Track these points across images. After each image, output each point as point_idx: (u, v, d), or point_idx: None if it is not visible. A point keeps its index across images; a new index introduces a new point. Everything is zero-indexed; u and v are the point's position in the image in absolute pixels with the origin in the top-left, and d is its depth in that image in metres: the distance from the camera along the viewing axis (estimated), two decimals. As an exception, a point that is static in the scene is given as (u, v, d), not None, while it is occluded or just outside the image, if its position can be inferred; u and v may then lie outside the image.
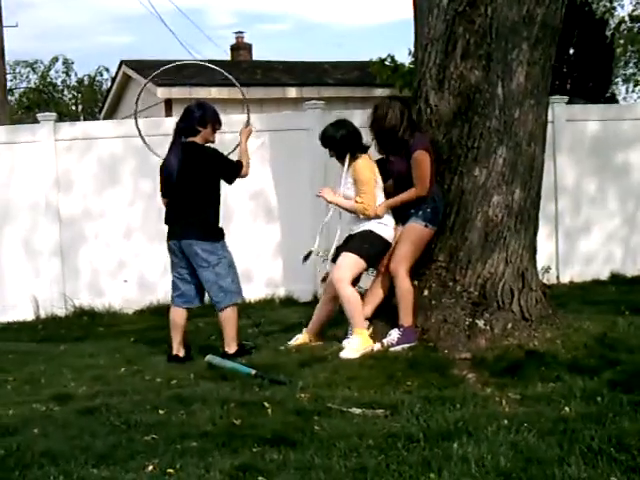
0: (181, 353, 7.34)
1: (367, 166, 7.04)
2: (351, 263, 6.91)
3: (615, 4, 26.37)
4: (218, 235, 7.35)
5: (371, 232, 6.95)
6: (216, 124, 7.41)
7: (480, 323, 6.78)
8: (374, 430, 4.93)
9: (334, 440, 4.77)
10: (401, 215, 6.99)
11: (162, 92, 17.78)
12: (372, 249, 6.96)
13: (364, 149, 7.14)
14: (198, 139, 7.30)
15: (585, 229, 11.82)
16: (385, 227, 6.98)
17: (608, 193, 12.13)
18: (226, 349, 7.24)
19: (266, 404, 5.50)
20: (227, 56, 24.72)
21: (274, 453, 4.61)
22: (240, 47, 24.06)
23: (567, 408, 5.19)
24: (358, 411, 5.35)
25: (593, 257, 11.96)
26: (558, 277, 11.60)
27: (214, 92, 17.76)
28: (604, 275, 11.83)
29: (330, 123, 7.39)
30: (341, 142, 7.14)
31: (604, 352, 6.53)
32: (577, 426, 4.82)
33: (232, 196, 8.33)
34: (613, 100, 20.56)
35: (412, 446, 4.64)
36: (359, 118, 11.56)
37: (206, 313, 8.24)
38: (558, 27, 7.27)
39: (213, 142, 7.40)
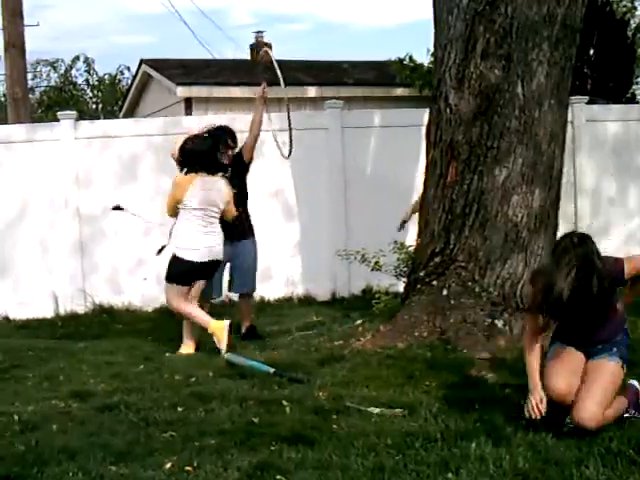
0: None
1: (181, 183, 7.51)
2: (166, 289, 7.76)
3: (637, 4, 26.14)
4: None
5: (173, 256, 7.58)
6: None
7: (499, 324, 6.77)
8: (392, 429, 4.92)
9: (352, 439, 4.77)
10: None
11: (182, 91, 17.83)
12: (174, 270, 7.58)
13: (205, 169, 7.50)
14: None
15: (604, 230, 11.75)
16: (185, 251, 7.46)
17: (628, 194, 12.09)
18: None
19: (284, 402, 5.50)
20: (246, 55, 24.74)
21: (292, 451, 4.60)
22: (259, 46, 24.03)
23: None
24: (376, 410, 5.33)
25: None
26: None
27: (234, 91, 17.81)
28: (622, 276, 11.75)
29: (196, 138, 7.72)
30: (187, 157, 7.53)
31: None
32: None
33: (251, 195, 8.34)
34: (634, 100, 20.44)
35: (430, 446, 4.62)
36: (379, 116, 11.70)
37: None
38: (579, 27, 7.25)
39: None
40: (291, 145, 8.38)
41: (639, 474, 4.09)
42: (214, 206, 7.50)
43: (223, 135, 7.95)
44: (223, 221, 7.64)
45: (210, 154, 7.55)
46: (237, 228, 7.96)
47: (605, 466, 4.20)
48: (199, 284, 7.64)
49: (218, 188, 7.53)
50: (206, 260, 7.50)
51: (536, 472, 4.17)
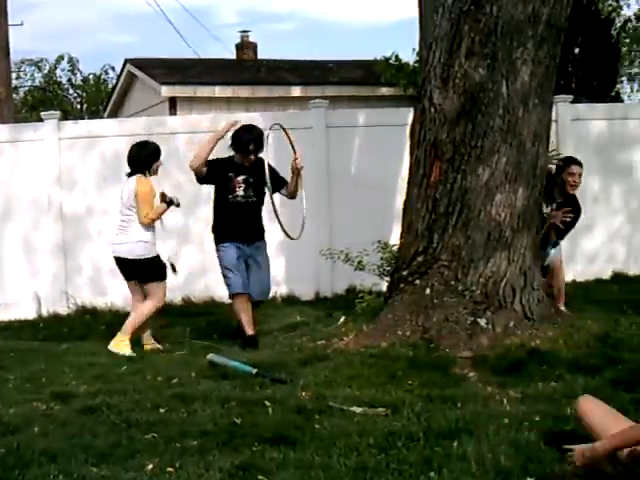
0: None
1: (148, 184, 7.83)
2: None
3: (621, 3, 26.26)
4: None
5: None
6: None
7: (482, 322, 6.77)
8: (375, 429, 4.91)
9: (334, 439, 4.76)
10: None
11: (166, 91, 17.77)
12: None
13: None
14: None
15: (588, 228, 11.76)
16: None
17: (612, 192, 12.12)
18: None
19: (267, 403, 5.49)
20: (232, 55, 24.69)
21: (274, 452, 4.59)
22: (245, 46, 23.99)
23: (569, 408, 5.14)
24: (359, 410, 5.33)
25: (596, 256, 11.93)
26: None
27: (218, 91, 17.76)
28: (607, 274, 11.83)
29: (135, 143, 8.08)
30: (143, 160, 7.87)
31: (606, 351, 6.51)
32: (578, 425, 4.78)
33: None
34: (618, 99, 20.50)
35: (412, 445, 4.62)
36: (364, 116, 11.69)
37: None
38: (563, 26, 7.26)
39: None
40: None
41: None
42: (122, 205, 7.88)
43: (242, 142, 7.97)
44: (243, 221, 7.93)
45: (135, 158, 7.92)
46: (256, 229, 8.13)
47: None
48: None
49: (128, 187, 7.84)
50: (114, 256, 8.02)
51: (518, 470, 4.15)
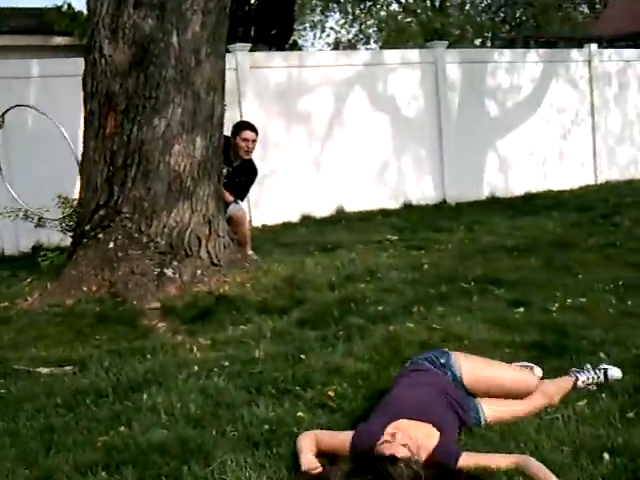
0: None
1: None
2: None
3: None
4: None
5: None
6: None
7: (169, 272, 6.77)
8: (62, 388, 4.80)
9: (21, 403, 4.61)
10: None
11: None
12: None
13: None
14: None
15: (273, 173, 12.06)
16: None
17: (294, 138, 12.47)
18: None
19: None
20: None
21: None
22: None
23: (257, 350, 5.29)
24: (46, 370, 5.17)
25: (283, 200, 12.25)
26: (251, 221, 11.75)
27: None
28: (295, 217, 12.19)
29: None
30: None
31: (292, 292, 6.75)
32: (266, 367, 4.94)
33: None
34: (296, 47, 21.05)
35: (101, 401, 4.56)
36: (38, 66, 11.18)
37: None
38: (232, -23, 7.32)
39: None
40: None
41: (306, 408, 4.27)
42: None
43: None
44: None
45: None
46: None
47: (274, 404, 4.34)
48: None
49: None
50: None
51: (208, 416, 4.22)
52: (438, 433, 3.60)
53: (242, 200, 8.48)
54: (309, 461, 3.57)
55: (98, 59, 6.96)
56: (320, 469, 3.47)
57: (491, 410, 4.02)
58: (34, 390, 4.81)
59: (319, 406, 4.30)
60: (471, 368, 4.13)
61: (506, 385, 4.14)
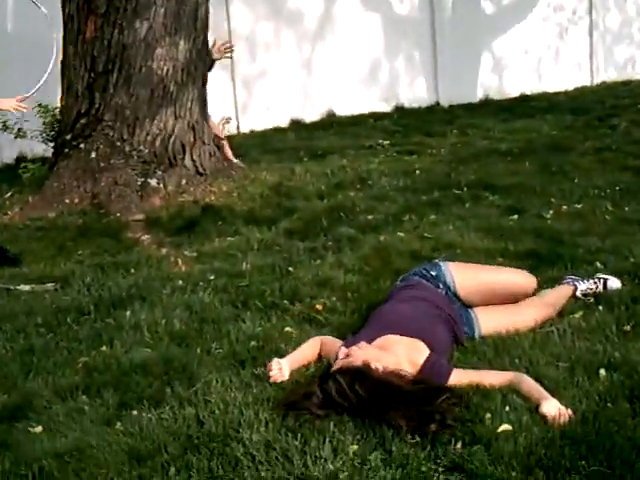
0: None
1: None
2: None
3: None
4: None
5: None
6: None
7: (153, 182, 6.61)
8: (43, 307, 4.67)
9: (0, 323, 4.46)
10: None
11: None
12: None
13: None
14: None
15: (262, 76, 11.74)
16: None
17: (283, 39, 12.09)
18: None
19: None
20: None
21: None
22: None
23: (244, 262, 5.14)
24: (27, 288, 5.04)
25: (272, 104, 11.91)
26: (238, 127, 11.53)
27: None
28: (284, 122, 11.87)
29: None
30: None
31: (281, 201, 6.59)
32: (253, 280, 4.80)
33: None
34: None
35: (83, 319, 4.43)
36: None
37: None
38: None
39: None
40: None
41: (294, 322, 4.14)
42: None
43: None
44: None
45: None
46: None
47: (262, 319, 4.20)
48: None
49: None
50: None
51: (193, 333, 4.09)
52: (428, 349, 3.47)
53: None
54: (277, 365, 3.51)
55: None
56: (281, 379, 3.47)
57: (489, 322, 3.86)
58: (14, 309, 4.68)
59: (307, 321, 4.18)
60: (463, 276, 3.98)
61: (502, 288, 4.01)
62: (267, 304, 4.41)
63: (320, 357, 3.67)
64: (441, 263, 4.07)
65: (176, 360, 3.76)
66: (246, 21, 11.75)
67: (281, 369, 3.52)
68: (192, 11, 6.87)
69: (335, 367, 3.31)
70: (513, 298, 4.01)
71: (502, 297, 3.99)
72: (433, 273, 3.99)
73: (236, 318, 4.25)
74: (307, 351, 3.70)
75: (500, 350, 3.66)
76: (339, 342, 3.63)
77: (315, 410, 3.14)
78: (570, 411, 3.00)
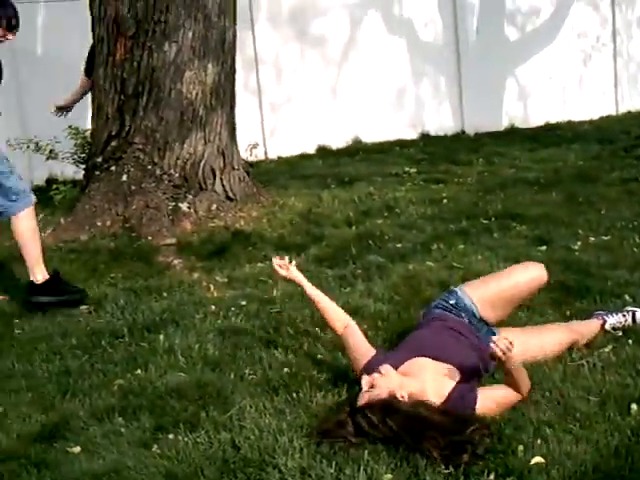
0: None
1: None
2: None
3: None
4: None
5: None
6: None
7: (183, 206, 6.65)
8: (78, 329, 4.75)
9: (36, 343, 4.55)
10: None
11: None
12: None
13: None
14: None
15: (289, 100, 11.78)
16: None
17: (308, 63, 12.11)
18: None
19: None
20: None
21: (-33, 363, 4.31)
22: None
23: (275, 289, 5.20)
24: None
25: (299, 130, 11.92)
26: (266, 153, 11.56)
27: None
28: (311, 148, 11.91)
29: None
30: None
31: (309, 228, 6.64)
32: (284, 307, 4.85)
33: None
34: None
35: (117, 342, 4.50)
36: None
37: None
38: None
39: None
40: None
41: (325, 350, 4.18)
42: None
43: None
44: None
45: None
46: None
47: (294, 345, 4.24)
48: None
49: None
50: None
51: (226, 358, 4.15)
52: (458, 374, 3.51)
53: None
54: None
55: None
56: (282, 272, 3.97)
57: (517, 346, 3.86)
58: (49, 330, 4.76)
59: (339, 348, 4.21)
60: (480, 294, 3.99)
61: (519, 290, 4.02)
62: (299, 331, 4.46)
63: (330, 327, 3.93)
64: (456, 289, 4.11)
65: (210, 385, 3.81)
66: (272, 44, 11.79)
67: (289, 268, 3.87)
68: (220, 34, 6.93)
69: (361, 401, 3.33)
70: (528, 293, 4.08)
71: (521, 298, 4.08)
72: (452, 302, 4.00)
73: (268, 344, 4.30)
74: (329, 307, 3.97)
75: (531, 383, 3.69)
76: (364, 348, 3.73)
77: (350, 437, 3.19)
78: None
